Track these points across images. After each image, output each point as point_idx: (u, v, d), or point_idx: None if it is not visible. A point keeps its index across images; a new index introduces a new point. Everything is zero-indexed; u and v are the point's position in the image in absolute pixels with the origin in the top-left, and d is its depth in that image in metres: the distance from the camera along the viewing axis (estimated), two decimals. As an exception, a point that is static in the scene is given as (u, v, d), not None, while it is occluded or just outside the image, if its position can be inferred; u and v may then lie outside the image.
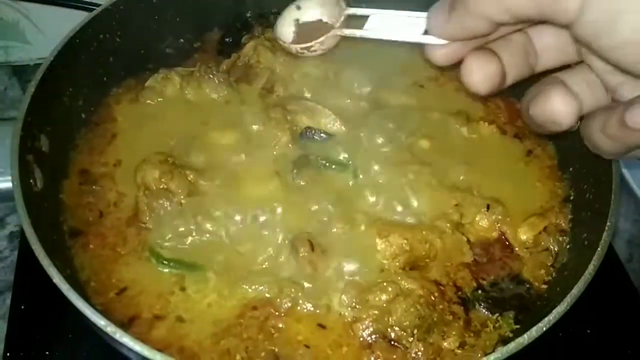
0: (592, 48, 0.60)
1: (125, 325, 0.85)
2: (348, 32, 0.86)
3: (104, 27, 1.10)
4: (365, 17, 0.83)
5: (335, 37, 0.89)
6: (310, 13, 0.96)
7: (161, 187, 0.95)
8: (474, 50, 0.67)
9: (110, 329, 0.72)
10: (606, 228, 0.84)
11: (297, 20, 0.98)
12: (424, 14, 0.73)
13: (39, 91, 0.95)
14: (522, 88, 1.14)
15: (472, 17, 0.62)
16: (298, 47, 0.94)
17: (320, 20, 0.95)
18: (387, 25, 0.80)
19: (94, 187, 1.00)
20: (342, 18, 0.88)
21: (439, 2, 0.68)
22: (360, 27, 0.83)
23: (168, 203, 0.94)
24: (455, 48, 0.68)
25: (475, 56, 0.66)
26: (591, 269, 0.80)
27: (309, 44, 0.91)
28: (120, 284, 0.90)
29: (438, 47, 0.70)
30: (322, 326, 0.87)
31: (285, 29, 0.99)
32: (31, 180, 0.90)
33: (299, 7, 0.98)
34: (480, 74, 0.66)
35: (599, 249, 0.82)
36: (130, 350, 0.72)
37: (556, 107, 0.63)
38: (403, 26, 0.78)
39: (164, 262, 0.91)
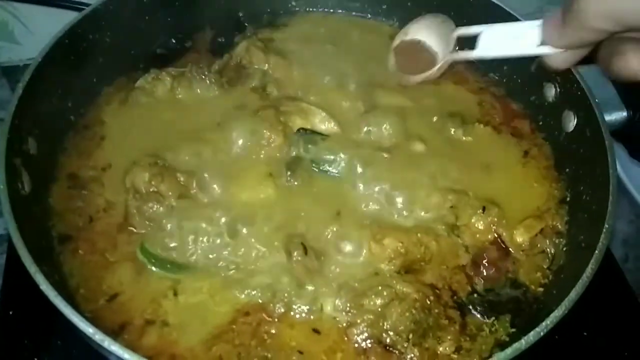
0: None
1: (116, 332, 0.84)
2: (463, 55, 0.87)
3: (93, 27, 1.08)
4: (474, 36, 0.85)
5: (448, 61, 0.89)
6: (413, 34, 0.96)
7: (151, 190, 0.93)
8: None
9: (98, 336, 0.70)
10: (604, 230, 0.83)
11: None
12: (531, 24, 0.79)
13: (26, 93, 0.93)
14: (517, 88, 1.16)
15: (585, 30, 0.67)
16: (418, 78, 0.92)
17: (419, 41, 0.93)
18: (497, 40, 0.83)
19: (82, 191, 0.98)
20: (454, 41, 0.88)
21: (552, 14, 0.73)
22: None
23: (158, 206, 0.92)
24: (573, 52, 0.74)
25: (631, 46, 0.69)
26: (589, 272, 0.79)
27: (427, 74, 0.91)
28: (110, 290, 0.88)
29: (557, 55, 0.75)
30: (316, 331, 0.86)
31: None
32: (19, 184, 0.88)
33: (405, 34, 0.96)
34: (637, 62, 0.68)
35: (596, 251, 0.81)
36: (119, 358, 0.70)
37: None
38: (511, 39, 0.81)
39: (156, 262, 0.90)
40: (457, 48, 0.87)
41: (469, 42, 0.88)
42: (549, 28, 0.75)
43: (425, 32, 0.93)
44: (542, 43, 0.77)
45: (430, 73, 0.89)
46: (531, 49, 0.77)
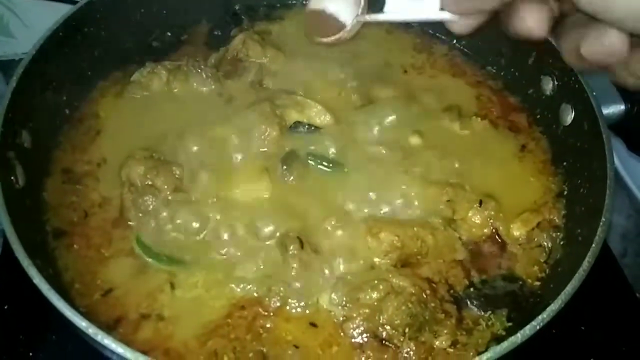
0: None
1: (111, 327, 0.83)
2: (370, 17, 0.84)
3: (88, 20, 1.07)
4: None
5: (358, 24, 0.88)
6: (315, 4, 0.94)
7: (146, 183, 0.93)
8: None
9: (92, 330, 0.70)
10: (601, 224, 0.83)
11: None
12: None
13: (20, 85, 0.92)
14: (515, 81, 1.16)
15: None
16: (328, 40, 0.91)
17: (322, 10, 0.92)
18: (404, 5, 0.80)
19: (77, 186, 0.98)
20: (362, 4, 0.86)
21: None
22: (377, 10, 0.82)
23: (154, 199, 0.92)
24: (472, 19, 0.71)
25: (527, 4, 0.66)
26: (585, 265, 0.79)
27: (337, 36, 0.89)
28: (105, 285, 0.88)
29: (456, 21, 0.72)
30: (313, 325, 0.85)
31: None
32: (12, 177, 0.88)
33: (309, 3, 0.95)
34: (532, 20, 0.66)
35: (593, 245, 0.81)
36: (113, 352, 0.70)
37: (614, 40, 0.63)
38: (416, 2, 0.78)
39: (152, 255, 0.90)
40: (366, 7, 0.86)
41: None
42: None
43: (325, 1, 0.93)
44: (442, 8, 0.75)
45: (339, 36, 0.89)
46: (433, 13, 0.75)
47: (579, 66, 0.69)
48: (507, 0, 0.64)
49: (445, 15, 0.73)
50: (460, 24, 0.72)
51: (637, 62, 0.64)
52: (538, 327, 0.73)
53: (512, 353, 0.73)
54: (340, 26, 0.89)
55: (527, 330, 0.73)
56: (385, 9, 0.81)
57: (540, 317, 0.74)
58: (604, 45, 0.64)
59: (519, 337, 0.72)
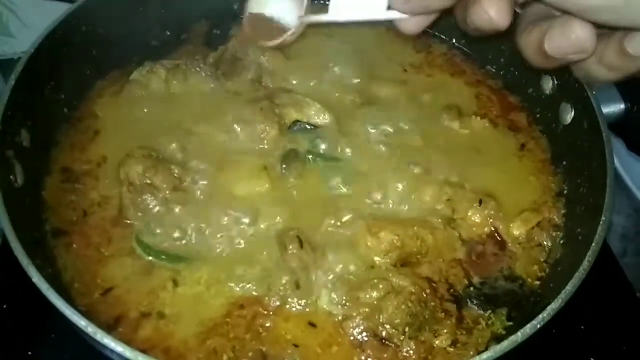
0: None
1: (111, 326, 0.83)
2: (314, 19, 0.83)
3: (87, 19, 1.07)
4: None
5: (302, 25, 0.85)
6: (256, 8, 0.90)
7: (145, 182, 0.92)
8: None
9: (91, 329, 0.70)
10: (601, 223, 0.83)
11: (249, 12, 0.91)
12: None
13: (19, 84, 0.92)
14: (515, 81, 1.15)
15: None
16: (272, 44, 0.89)
17: (263, 15, 0.89)
18: (349, 4, 0.77)
19: (76, 185, 0.97)
20: (305, 4, 0.84)
21: None
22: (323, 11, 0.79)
23: (153, 198, 0.92)
24: (423, 18, 0.68)
25: None
26: (586, 265, 0.79)
27: (281, 40, 0.87)
28: (105, 284, 0.88)
29: (405, 20, 0.69)
30: (312, 325, 0.85)
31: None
32: (11, 177, 0.88)
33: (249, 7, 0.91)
34: (493, 10, 0.61)
35: (593, 244, 0.81)
36: (112, 351, 0.70)
37: (580, 34, 0.58)
38: (364, 3, 0.75)
39: (152, 253, 0.90)
40: (309, 7, 0.85)
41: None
42: None
43: (267, 4, 0.89)
44: (390, 7, 0.72)
45: (282, 40, 0.86)
46: (381, 13, 0.72)
47: (542, 64, 0.63)
48: None
49: (394, 15, 0.71)
50: (411, 23, 0.69)
51: (613, 51, 0.59)
52: (539, 327, 0.73)
53: (513, 352, 0.73)
54: (283, 28, 0.86)
55: (528, 330, 0.73)
56: (330, 9, 0.79)
57: (540, 316, 0.74)
58: (571, 39, 0.58)
59: (519, 337, 0.72)
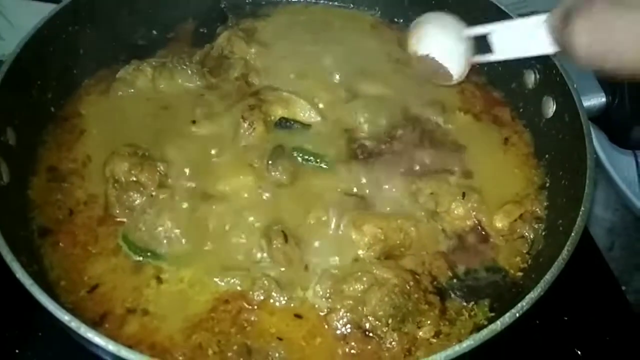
0: None
1: (97, 322, 0.84)
2: (483, 59, 0.93)
3: (73, 19, 1.08)
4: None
5: (468, 65, 0.96)
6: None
7: (131, 179, 0.93)
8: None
9: (74, 324, 0.70)
10: (580, 213, 0.84)
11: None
12: (537, 20, 0.79)
13: (5, 84, 0.92)
14: (498, 76, 1.16)
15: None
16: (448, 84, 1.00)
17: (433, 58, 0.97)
18: (511, 40, 0.86)
19: (63, 184, 0.98)
20: (469, 44, 0.93)
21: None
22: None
23: (138, 195, 0.92)
24: None
25: None
26: (565, 254, 0.79)
27: (454, 82, 1.00)
28: (91, 281, 0.88)
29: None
30: (297, 316, 0.86)
31: None
32: (-3, 174, 0.88)
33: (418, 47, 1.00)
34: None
35: (572, 234, 0.82)
36: (97, 346, 0.70)
37: None
38: (525, 39, 0.84)
39: (137, 250, 0.90)
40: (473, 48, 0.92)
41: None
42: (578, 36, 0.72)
43: (437, 47, 0.97)
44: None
45: (455, 82, 0.97)
46: (546, 47, 0.77)
47: None
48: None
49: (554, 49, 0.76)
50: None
51: None
52: (517, 315, 0.74)
53: (497, 343, 0.73)
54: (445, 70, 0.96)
55: (507, 318, 0.73)
56: (495, 48, 0.88)
57: (519, 305, 0.75)
58: None
59: (498, 325, 0.73)
